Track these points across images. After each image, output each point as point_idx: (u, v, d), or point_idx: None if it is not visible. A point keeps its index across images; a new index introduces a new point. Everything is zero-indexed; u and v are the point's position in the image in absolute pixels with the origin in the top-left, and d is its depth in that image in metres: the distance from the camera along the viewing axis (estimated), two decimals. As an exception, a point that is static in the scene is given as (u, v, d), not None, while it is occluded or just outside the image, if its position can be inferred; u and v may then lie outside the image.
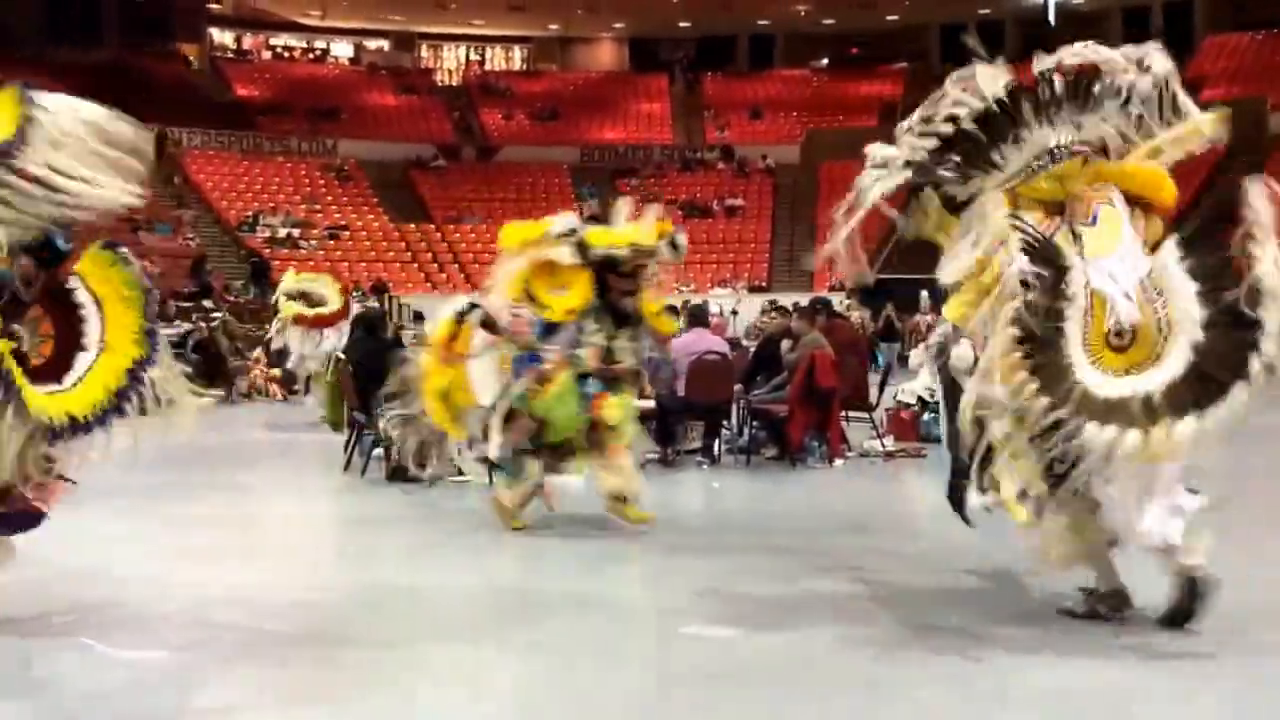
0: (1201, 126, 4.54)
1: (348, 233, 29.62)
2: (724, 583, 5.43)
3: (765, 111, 36.96)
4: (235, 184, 30.69)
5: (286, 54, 40.19)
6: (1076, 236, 4.38)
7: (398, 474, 8.39)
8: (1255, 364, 4.03)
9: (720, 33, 39.36)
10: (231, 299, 23.47)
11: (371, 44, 40.54)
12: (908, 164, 4.41)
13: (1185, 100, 4.53)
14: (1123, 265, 4.32)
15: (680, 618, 4.79)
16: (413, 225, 30.84)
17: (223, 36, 39.37)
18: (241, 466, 10.18)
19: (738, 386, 9.55)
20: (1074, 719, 3.70)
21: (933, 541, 6.37)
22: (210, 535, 6.77)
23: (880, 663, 4.18)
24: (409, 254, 29.78)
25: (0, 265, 4.54)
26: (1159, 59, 4.47)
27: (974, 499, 4.58)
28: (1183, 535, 4.23)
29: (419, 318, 24.40)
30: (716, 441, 9.50)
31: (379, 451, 8.73)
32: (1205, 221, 4.46)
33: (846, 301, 18.63)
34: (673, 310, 10.94)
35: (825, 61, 39.57)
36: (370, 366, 8.81)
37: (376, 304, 19.35)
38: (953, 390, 4.78)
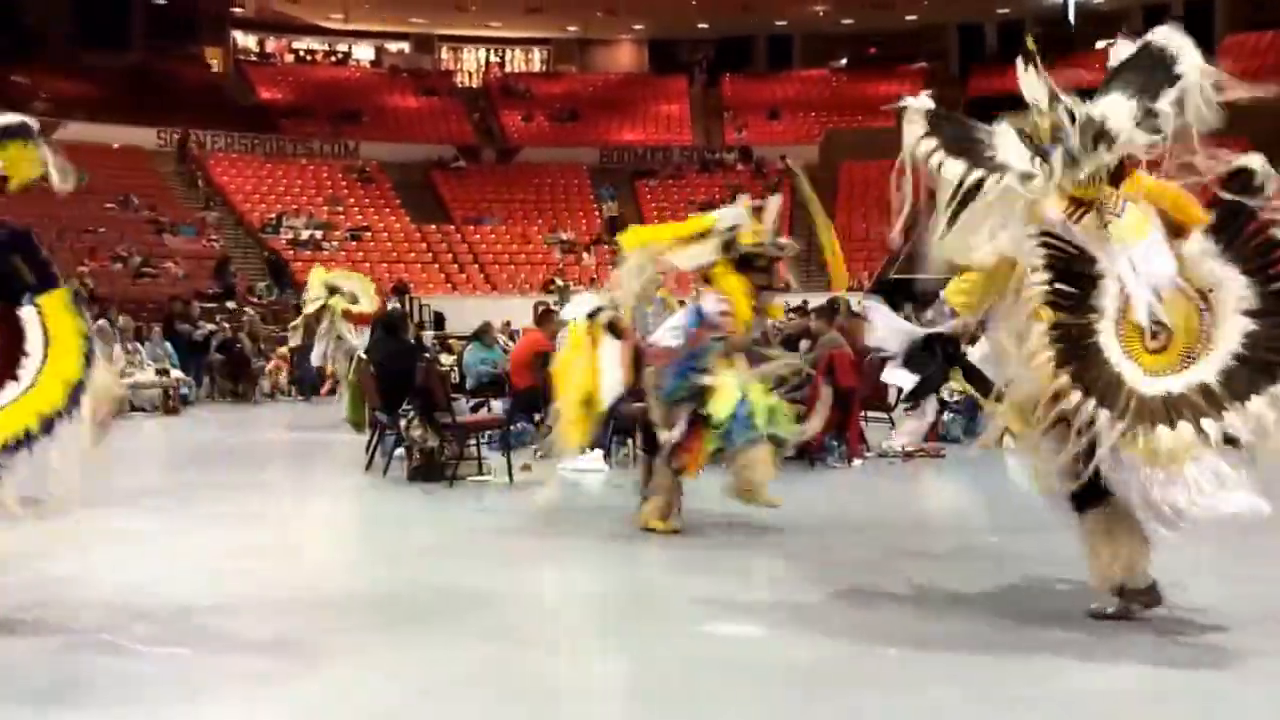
0: (1251, 163, 4.48)
1: (369, 234, 29.76)
2: (743, 581, 5.48)
3: (784, 112, 36.93)
4: (258, 186, 30.89)
5: (309, 57, 40.41)
6: (1105, 224, 4.41)
7: (419, 474, 8.50)
8: None
9: (739, 34, 39.33)
10: (256, 300, 23.65)
11: (392, 46, 40.71)
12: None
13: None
14: (1147, 255, 4.31)
15: (699, 616, 4.81)
16: (433, 226, 30.96)
17: (246, 40, 39.62)
18: (265, 466, 10.29)
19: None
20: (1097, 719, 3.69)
21: (952, 541, 6.42)
22: (234, 534, 6.83)
23: (899, 662, 4.19)
24: (430, 255, 29.90)
25: None
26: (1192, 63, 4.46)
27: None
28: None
29: (439, 319, 24.58)
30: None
31: (400, 451, 8.82)
32: (1227, 208, 4.41)
33: (864, 302, 18.56)
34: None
35: (844, 62, 39.49)
36: (391, 367, 8.91)
37: (397, 304, 19.49)
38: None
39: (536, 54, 41.99)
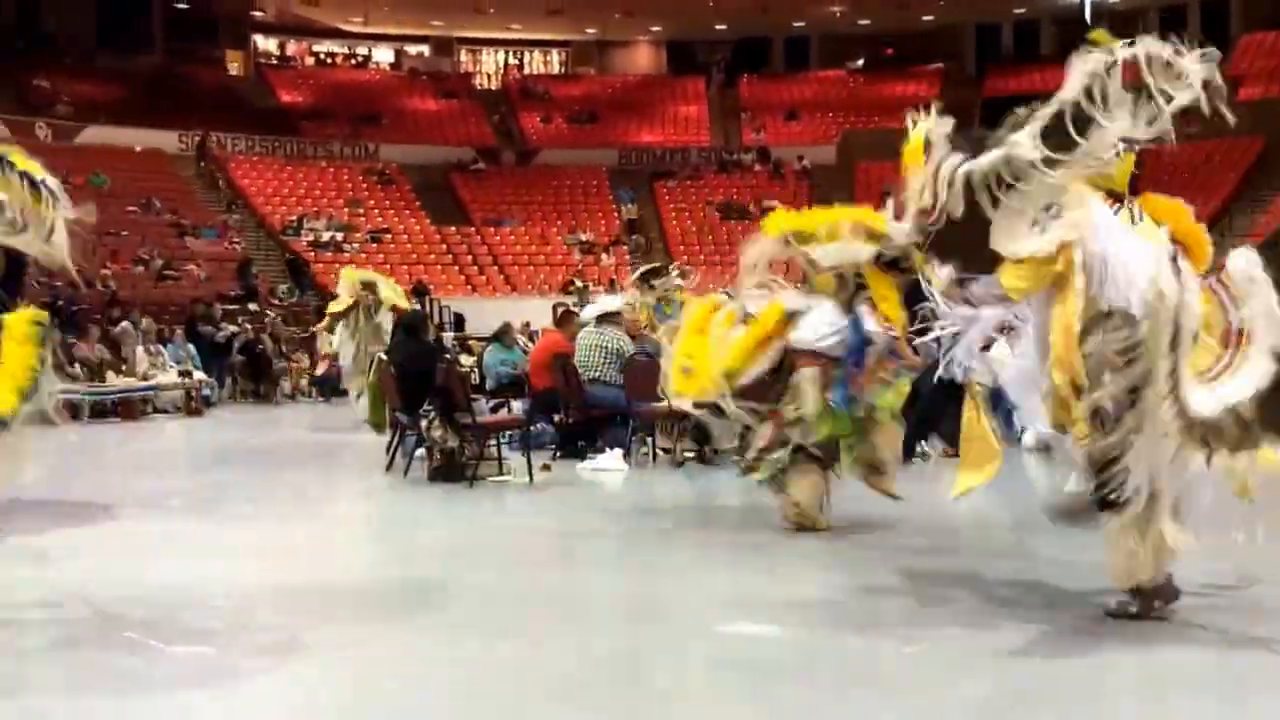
0: None
1: (389, 236, 29.90)
2: (761, 580, 5.47)
3: (801, 113, 36.92)
4: (279, 189, 31.08)
5: (329, 60, 40.60)
6: (1135, 220, 4.45)
7: (439, 474, 8.55)
8: None
9: (756, 35, 39.34)
10: (277, 302, 23.80)
11: (412, 49, 40.87)
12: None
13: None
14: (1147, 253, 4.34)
15: (717, 614, 4.80)
16: (453, 228, 31.08)
17: (266, 43, 39.86)
18: (286, 467, 10.33)
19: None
20: (1117, 715, 3.69)
21: (970, 540, 6.42)
22: (256, 534, 6.88)
23: (916, 660, 4.19)
24: (449, 256, 30.02)
25: None
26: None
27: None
28: None
29: (459, 320, 24.69)
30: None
31: (421, 452, 8.87)
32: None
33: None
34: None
35: (860, 62, 39.46)
36: (412, 368, 8.97)
37: (417, 306, 19.58)
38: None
39: (555, 56, 42.08)
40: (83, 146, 28.89)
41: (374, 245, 29.09)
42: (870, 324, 6.31)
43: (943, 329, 4.88)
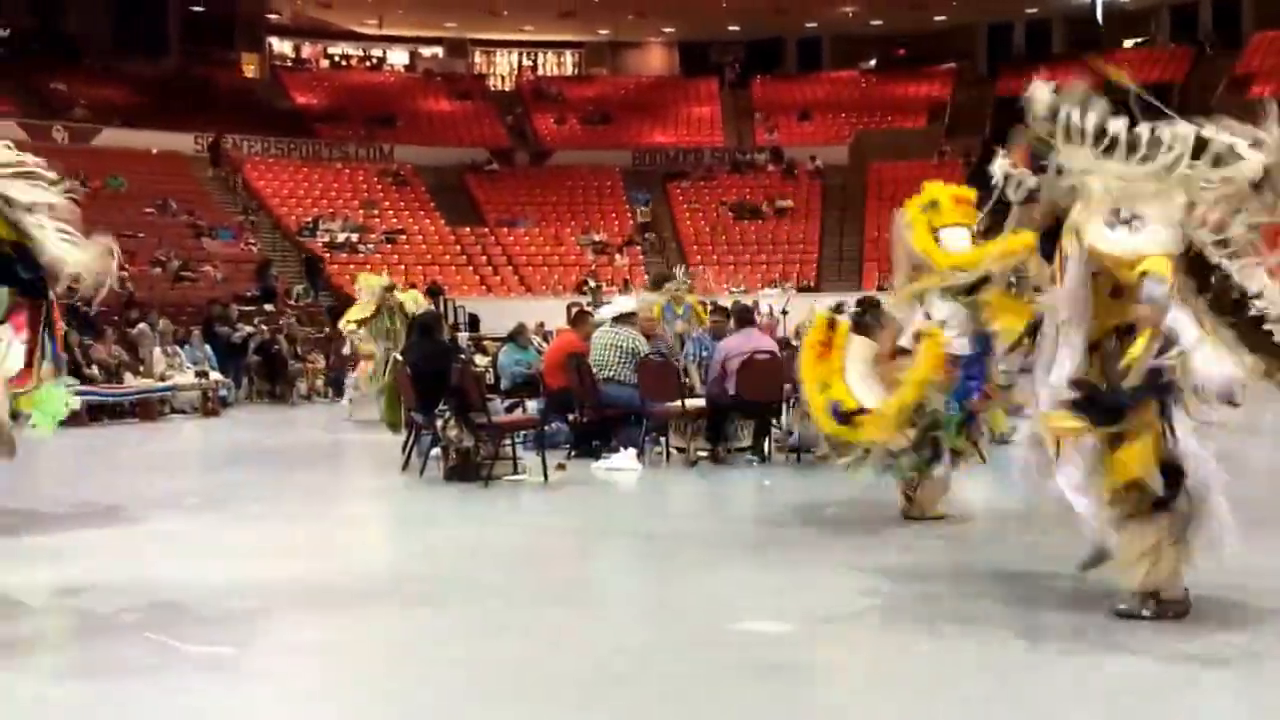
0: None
1: (404, 236, 30.01)
2: (775, 579, 5.48)
3: (814, 113, 36.91)
4: (295, 190, 31.22)
5: (344, 62, 40.76)
6: None
7: (455, 474, 8.60)
8: None
9: (769, 35, 39.37)
10: (292, 303, 23.92)
11: (426, 51, 41.01)
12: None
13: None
14: None
15: (731, 614, 4.80)
16: (467, 229, 31.18)
17: (282, 46, 40.04)
18: (303, 467, 10.36)
19: (788, 385, 9.66)
20: (1127, 716, 3.69)
21: (984, 539, 6.43)
22: (272, 533, 6.91)
23: (930, 658, 4.21)
24: (464, 257, 30.12)
25: None
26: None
27: None
28: None
29: (474, 320, 24.77)
30: (767, 440, 9.59)
31: (437, 452, 8.91)
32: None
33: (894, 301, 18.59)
34: (722, 311, 11.15)
35: (873, 63, 39.45)
36: (427, 368, 9.02)
37: (432, 306, 19.66)
38: None
39: (568, 57, 42.16)
40: (100, 149, 29.10)
41: (389, 246, 29.20)
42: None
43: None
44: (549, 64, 42.20)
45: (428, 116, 36.43)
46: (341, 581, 5.52)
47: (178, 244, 26.09)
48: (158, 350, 15.37)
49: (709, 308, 12.36)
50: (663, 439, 9.71)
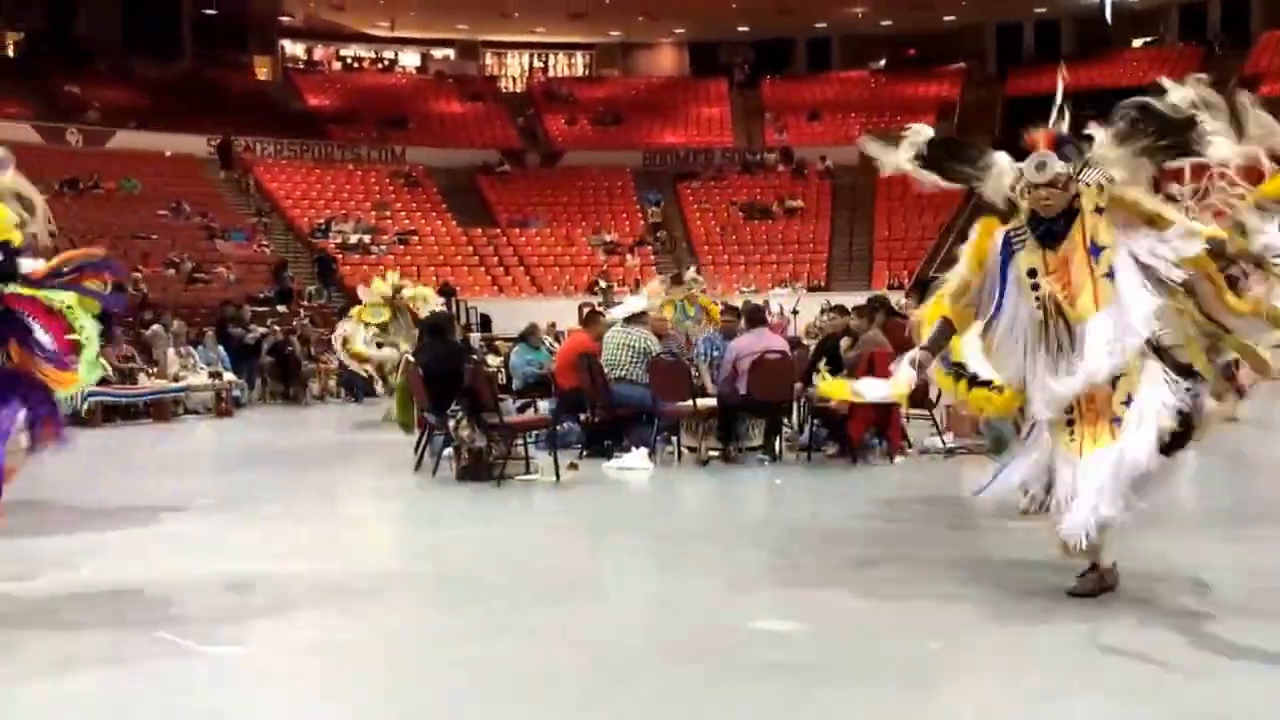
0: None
1: (416, 237, 30.12)
2: (786, 577, 5.48)
3: (823, 113, 36.92)
4: (308, 191, 31.35)
5: (356, 64, 40.91)
6: None
7: (467, 473, 8.64)
8: None
9: (778, 36, 39.40)
10: (305, 304, 24.02)
11: (438, 53, 41.12)
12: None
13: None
14: None
15: (746, 612, 4.80)
16: (479, 229, 31.28)
17: (294, 48, 40.20)
18: (315, 467, 10.37)
19: (798, 385, 9.69)
20: (1137, 714, 3.69)
21: (995, 538, 6.44)
22: (286, 534, 6.91)
23: (943, 657, 4.20)
24: (476, 258, 30.21)
25: None
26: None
27: None
28: None
29: (486, 320, 24.84)
30: (778, 439, 9.61)
31: (449, 451, 8.93)
32: None
33: (904, 300, 18.65)
34: (734, 311, 11.18)
35: (882, 63, 39.46)
36: (439, 368, 9.07)
37: (444, 307, 19.72)
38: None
39: (579, 59, 42.24)
40: (113, 151, 29.27)
41: (401, 247, 29.30)
42: None
43: None
44: (560, 65, 42.28)
45: (439, 118, 36.55)
46: (352, 581, 5.53)
47: (191, 246, 26.23)
48: (171, 351, 15.45)
49: (720, 308, 12.40)
50: (674, 438, 9.73)
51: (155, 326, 16.29)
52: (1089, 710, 3.70)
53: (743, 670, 4.06)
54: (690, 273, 14.56)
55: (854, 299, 12.40)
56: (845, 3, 36.50)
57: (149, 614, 4.90)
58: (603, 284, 27.21)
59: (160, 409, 14.51)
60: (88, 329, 4.87)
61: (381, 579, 5.67)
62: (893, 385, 5.13)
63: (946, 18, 37.31)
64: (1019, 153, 4.85)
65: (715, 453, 9.54)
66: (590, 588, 5.59)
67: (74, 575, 5.58)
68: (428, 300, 13.86)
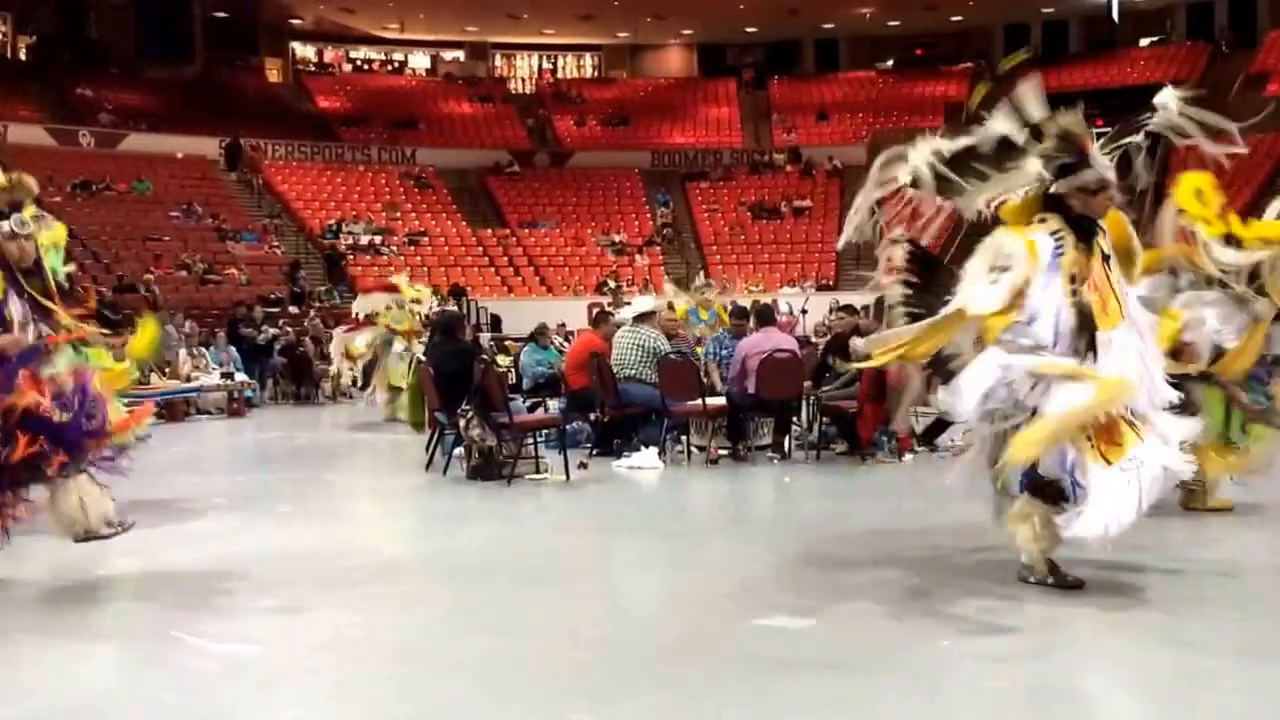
0: None
1: (427, 238, 30.20)
2: (796, 575, 5.51)
3: (831, 113, 36.93)
4: (318, 193, 31.45)
5: (366, 66, 41.03)
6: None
7: (477, 473, 8.69)
8: None
9: (786, 37, 39.41)
10: (317, 304, 24.12)
11: (447, 55, 41.22)
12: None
13: None
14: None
15: (753, 609, 4.81)
16: (489, 230, 31.36)
17: (305, 50, 40.32)
18: (327, 467, 10.41)
19: (807, 383, 9.74)
20: (1153, 712, 3.71)
21: (1003, 536, 6.47)
22: (299, 533, 6.94)
23: (953, 654, 4.22)
24: (486, 258, 30.28)
25: None
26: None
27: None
28: None
29: (496, 321, 24.91)
30: (787, 437, 9.65)
31: (459, 451, 8.97)
32: None
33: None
34: (742, 311, 11.23)
35: (890, 63, 39.45)
36: (448, 368, 9.13)
37: (454, 307, 19.80)
38: None
39: (588, 60, 42.28)
40: (125, 153, 29.41)
41: (411, 248, 29.39)
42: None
43: None
44: (569, 67, 42.34)
45: (449, 119, 36.64)
46: (363, 580, 5.57)
47: (202, 247, 26.35)
48: (183, 352, 15.55)
49: (729, 309, 12.46)
50: (683, 437, 9.78)
51: (167, 327, 16.39)
52: (1105, 708, 3.72)
53: (752, 667, 4.07)
54: (701, 279, 14.62)
55: (863, 299, 12.41)
56: (853, 3, 36.48)
57: (162, 613, 4.94)
58: (612, 284, 27.28)
59: (172, 409, 14.60)
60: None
61: (392, 577, 5.71)
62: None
63: (954, 18, 37.27)
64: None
65: (725, 451, 9.59)
66: (600, 586, 5.63)
67: (86, 574, 5.62)
68: (421, 296, 13.86)
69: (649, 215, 32.80)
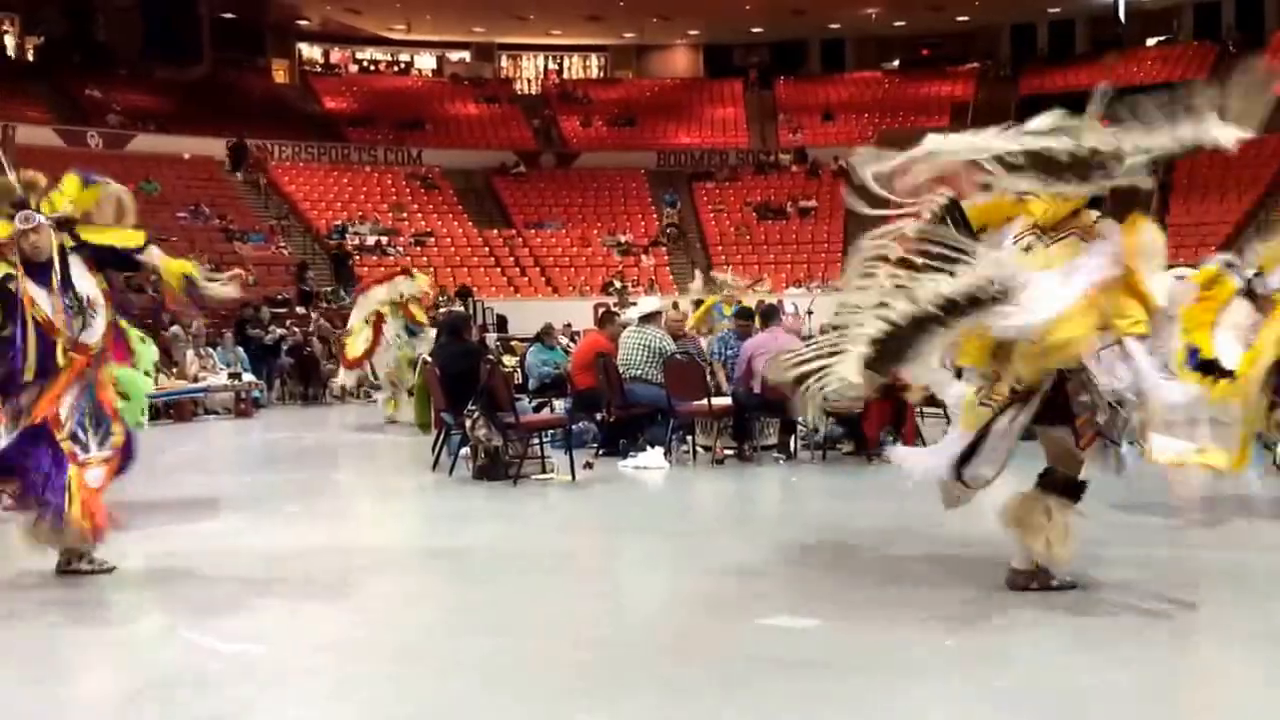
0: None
1: (433, 239, 30.24)
2: (801, 575, 5.53)
3: (837, 114, 36.90)
4: (325, 194, 31.51)
5: (372, 67, 41.09)
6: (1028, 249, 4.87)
7: (484, 473, 8.70)
8: None
9: (792, 37, 39.40)
10: (325, 305, 24.16)
11: (454, 55, 41.27)
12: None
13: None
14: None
15: (757, 608, 4.82)
16: (495, 231, 31.40)
17: (311, 51, 40.38)
18: (334, 467, 10.47)
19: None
20: (1149, 711, 3.70)
21: (1006, 537, 6.47)
22: (305, 533, 6.96)
23: (957, 653, 4.23)
24: (492, 259, 30.32)
25: None
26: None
27: None
28: None
29: (502, 321, 24.94)
30: (793, 437, 9.66)
31: (466, 451, 8.97)
32: None
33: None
34: (748, 311, 11.25)
35: (896, 63, 39.43)
36: (454, 369, 9.15)
37: (461, 308, 19.84)
38: None
39: (594, 60, 42.31)
40: (133, 154, 29.48)
41: (418, 249, 29.43)
42: None
43: None
44: (575, 67, 42.36)
45: (455, 120, 36.68)
46: (368, 579, 5.59)
47: (210, 248, 26.38)
48: (190, 352, 15.59)
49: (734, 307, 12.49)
50: (689, 437, 9.80)
51: (174, 327, 16.43)
52: (1108, 708, 3.71)
53: (753, 667, 4.07)
54: (727, 275, 14.60)
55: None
56: (859, 3, 36.46)
57: (170, 612, 4.97)
58: (617, 284, 27.30)
59: (180, 409, 14.65)
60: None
61: (396, 577, 5.73)
62: None
63: (960, 18, 37.24)
64: None
65: (730, 451, 9.60)
66: (603, 586, 5.65)
67: (92, 575, 5.61)
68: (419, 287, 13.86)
69: (655, 216, 32.82)
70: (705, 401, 9.45)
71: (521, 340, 17.38)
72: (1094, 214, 4.83)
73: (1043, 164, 4.56)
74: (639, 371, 9.85)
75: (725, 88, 38.92)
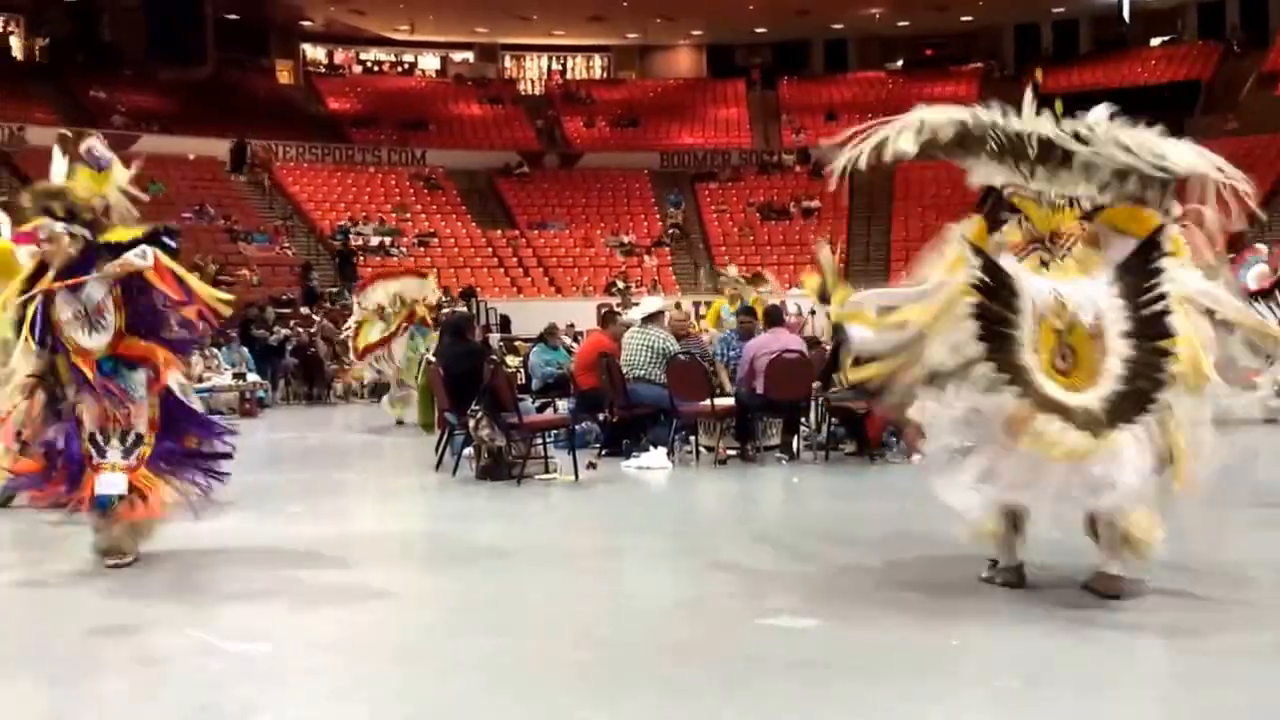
0: None
1: (436, 239, 30.29)
2: (802, 575, 5.51)
3: (840, 114, 36.83)
4: (329, 194, 31.57)
5: (376, 68, 41.16)
6: (1045, 265, 4.78)
7: (487, 473, 8.72)
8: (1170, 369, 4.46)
9: (795, 37, 39.42)
10: (329, 305, 24.20)
11: (457, 56, 41.32)
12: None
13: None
14: (1073, 289, 4.66)
15: (757, 609, 4.82)
16: (499, 231, 31.44)
17: (315, 52, 40.45)
18: (338, 466, 10.44)
19: (816, 384, 9.75)
20: (1164, 712, 3.71)
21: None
22: (310, 532, 6.95)
23: (959, 652, 4.23)
24: (495, 259, 30.36)
25: None
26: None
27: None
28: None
29: (505, 321, 24.98)
30: (795, 438, 9.68)
31: (469, 451, 8.98)
32: (1141, 247, 4.73)
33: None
34: (750, 311, 11.26)
35: (899, 64, 39.43)
36: (457, 369, 9.17)
37: (464, 308, 19.87)
38: None
39: (597, 61, 42.35)
40: (138, 154, 29.44)
41: (421, 249, 29.48)
42: None
43: None
44: (578, 68, 42.40)
45: (459, 121, 36.73)
46: (372, 579, 5.58)
47: (214, 248, 26.45)
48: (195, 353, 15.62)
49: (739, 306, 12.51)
50: (692, 438, 9.82)
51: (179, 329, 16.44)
52: (1110, 708, 3.70)
53: (754, 667, 4.07)
54: (732, 271, 14.59)
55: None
56: (862, 3, 36.47)
57: (175, 611, 4.97)
58: (620, 284, 27.32)
59: (185, 410, 14.64)
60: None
61: (399, 576, 5.74)
62: None
63: (964, 18, 37.25)
64: None
65: (733, 452, 9.61)
66: (606, 585, 5.65)
67: (101, 573, 5.64)
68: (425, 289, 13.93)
69: (658, 216, 32.84)
70: (708, 402, 9.47)
71: (525, 340, 17.41)
72: (1077, 214, 4.86)
73: (1019, 149, 4.63)
74: (642, 372, 9.86)
75: (728, 88, 38.94)
